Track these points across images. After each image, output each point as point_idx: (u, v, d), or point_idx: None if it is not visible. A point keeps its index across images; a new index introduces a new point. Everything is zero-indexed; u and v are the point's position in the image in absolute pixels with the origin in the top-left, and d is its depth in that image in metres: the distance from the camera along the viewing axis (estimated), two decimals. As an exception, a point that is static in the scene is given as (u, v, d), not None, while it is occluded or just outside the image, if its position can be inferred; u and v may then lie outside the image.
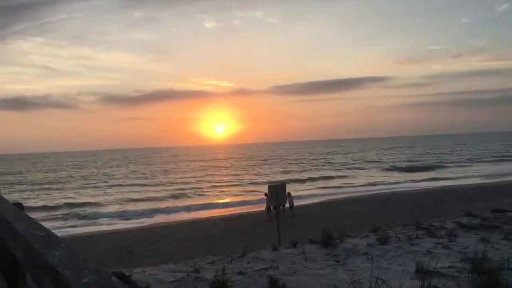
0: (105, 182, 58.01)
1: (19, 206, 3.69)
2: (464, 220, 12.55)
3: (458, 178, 44.59)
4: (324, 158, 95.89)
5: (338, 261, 8.49)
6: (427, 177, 46.12)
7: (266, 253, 10.00)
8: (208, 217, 28.76)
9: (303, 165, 78.41)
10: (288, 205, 24.78)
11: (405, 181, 43.53)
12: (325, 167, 67.80)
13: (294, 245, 10.55)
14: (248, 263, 8.93)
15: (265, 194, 26.83)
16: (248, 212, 29.00)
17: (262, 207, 26.47)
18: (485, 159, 68.99)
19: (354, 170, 59.49)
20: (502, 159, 66.87)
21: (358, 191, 37.33)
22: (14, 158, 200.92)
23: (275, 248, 10.40)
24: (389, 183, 42.46)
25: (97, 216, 30.99)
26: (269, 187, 11.67)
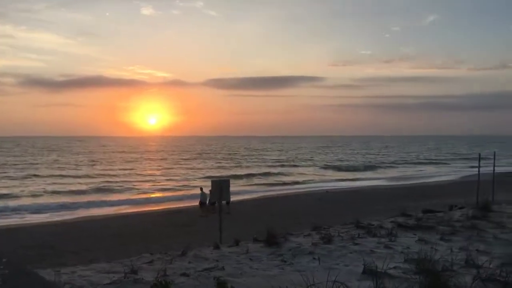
0: (22, 171, 53.94)
1: None
2: (400, 220, 12.89)
3: (384, 178, 46.84)
4: (259, 154, 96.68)
5: (284, 261, 8.22)
6: (357, 176, 48.03)
7: (208, 252, 9.51)
8: (138, 211, 27.57)
9: (237, 160, 78.45)
10: (225, 201, 24.37)
11: (337, 180, 44.95)
12: (259, 163, 68.19)
13: (236, 244, 10.16)
14: (189, 262, 8.39)
15: (200, 189, 26.32)
16: (182, 207, 28.23)
17: (196, 202, 25.86)
18: (410, 161, 73.25)
19: (288, 168, 60.41)
20: (427, 162, 71.22)
21: (292, 188, 37.87)
22: None
23: (216, 247, 9.94)
24: (321, 181, 43.60)
25: (11, 208, 28.46)
26: (212, 182, 11.17)
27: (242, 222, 20.30)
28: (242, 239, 11.78)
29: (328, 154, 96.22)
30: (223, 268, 7.39)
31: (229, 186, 11.30)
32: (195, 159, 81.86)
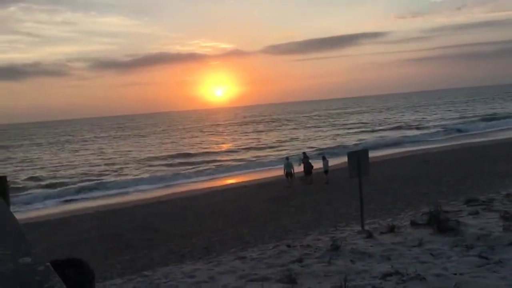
0: (103, 151, 55.90)
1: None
2: None
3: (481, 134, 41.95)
4: (332, 118, 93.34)
5: (486, 258, 6.10)
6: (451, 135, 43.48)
7: (363, 243, 7.63)
8: (232, 185, 26.53)
9: (312, 123, 76.07)
10: (323, 170, 22.52)
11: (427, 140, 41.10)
12: (341, 129, 64.65)
13: (391, 229, 8.17)
14: (353, 262, 6.56)
15: (286, 158, 24.63)
16: (272, 178, 26.64)
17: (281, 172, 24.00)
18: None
19: (374, 129, 56.77)
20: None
21: (385, 151, 34.94)
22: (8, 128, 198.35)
23: (369, 235, 8.02)
24: (412, 142, 40.00)
25: (106, 188, 28.95)
26: (348, 154, 9.22)
27: (347, 193, 18.15)
28: (397, 222, 9.85)
29: (403, 114, 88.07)
30: (420, 277, 5.42)
31: (368, 157, 9.27)
32: (275, 127, 79.77)
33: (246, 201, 19.60)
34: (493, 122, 50.74)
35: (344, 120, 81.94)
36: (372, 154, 32.83)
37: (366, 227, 9.43)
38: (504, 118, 54.53)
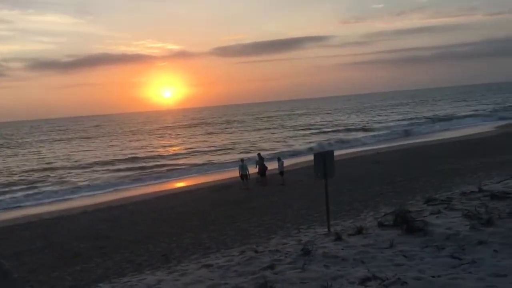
0: (40, 153, 52.95)
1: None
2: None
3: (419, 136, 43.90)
4: (281, 120, 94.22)
5: (458, 258, 6.12)
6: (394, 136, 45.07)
7: (333, 246, 7.47)
8: (185, 188, 25.89)
9: (262, 125, 76.32)
10: (278, 171, 22.45)
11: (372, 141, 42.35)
12: (292, 131, 65.48)
13: (359, 231, 8.08)
14: (326, 266, 6.35)
15: (241, 160, 24.38)
16: (227, 180, 26.27)
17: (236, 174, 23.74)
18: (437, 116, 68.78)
19: (323, 131, 57.82)
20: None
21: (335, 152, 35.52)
22: None
23: (338, 237, 7.88)
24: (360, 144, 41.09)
25: (49, 194, 27.19)
26: (314, 155, 9.06)
27: (304, 194, 18.22)
28: (363, 223, 9.78)
29: (346, 116, 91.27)
30: (400, 281, 5.29)
31: (333, 159, 9.15)
32: (226, 129, 79.32)
33: (202, 205, 19.07)
34: (436, 123, 53.36)
35: (294, 122, 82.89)
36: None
37: (331, 229, 9.33)
38: (446, 119, 57.51)
